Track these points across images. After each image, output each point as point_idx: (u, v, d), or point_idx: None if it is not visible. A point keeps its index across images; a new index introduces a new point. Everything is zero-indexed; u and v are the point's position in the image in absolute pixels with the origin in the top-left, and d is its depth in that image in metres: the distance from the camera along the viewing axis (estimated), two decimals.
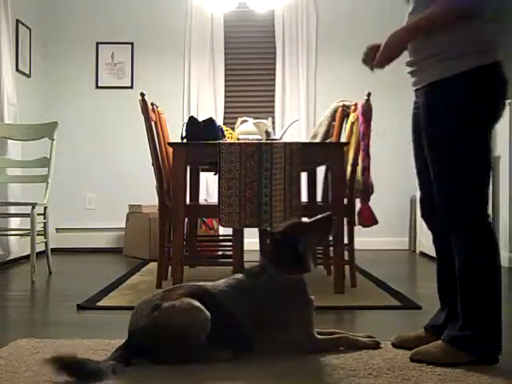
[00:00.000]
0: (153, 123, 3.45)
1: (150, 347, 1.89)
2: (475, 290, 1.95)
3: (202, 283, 2.09)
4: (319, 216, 2.16)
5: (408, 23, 2.01)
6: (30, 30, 5.29)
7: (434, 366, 1.91)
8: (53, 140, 4.19)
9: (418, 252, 5.40)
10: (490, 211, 2.02)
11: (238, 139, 3.74)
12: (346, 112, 3.72)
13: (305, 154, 3.21)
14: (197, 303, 1.90)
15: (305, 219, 2.23)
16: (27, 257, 4.05)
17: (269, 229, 2.25)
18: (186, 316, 1.87)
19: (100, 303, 2.99)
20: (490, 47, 1.95)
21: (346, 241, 3.36)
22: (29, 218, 3.83)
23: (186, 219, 3.78)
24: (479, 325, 1.93)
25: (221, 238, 4.83)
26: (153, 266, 4.25)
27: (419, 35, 1.97)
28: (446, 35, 1.94)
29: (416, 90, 2.09)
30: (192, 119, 3.55)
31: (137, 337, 1.91)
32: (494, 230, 1.99)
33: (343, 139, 3.75)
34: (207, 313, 1.89)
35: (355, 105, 3.60)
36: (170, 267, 3.49)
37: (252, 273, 2.11)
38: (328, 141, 3.82)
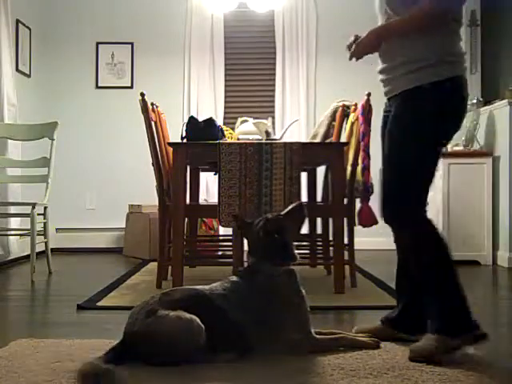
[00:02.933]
0: (153, 123, 3.45)
1: (143, 351, 1.89)
2: (428, 280, 2.04)
3: (199, 287, 2.09)
4: (291, 207, 2.22)
5: (387, 23, 2.11)
6: (30, 30, 5.29)
7: (432, 361, 1.93)
8: (53, 140, 4.19)
9: None
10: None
11: (238, 139, 3.74)
12: (345, 112, 3.72)
13: (305, 154, 3.21)
14: (190, 316, 1.89)
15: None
16: (27, 257, 4.05)
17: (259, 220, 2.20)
18: (178, 328, 1.87)
19: (100, 303, 2.99)
20: (461, 59, 2.05)
21: (346, 241, 3.36)
22: (29, 218, 3.84)
23: (186, 219, 3.78)
24: (445, 313, 2.01)
25: (221, 237, 4.83)
26: (153, 266, 4.26)
27: (392, 35, 2.07)
28: (421, 44, 2.01)
29: (389, 99, 2.18)
30: (192, 119, 3.55)
31: (130, 340, 1.91)
32: (432, 223, 2.07)
33: (343, 139, 3.75)
34: (201, 325, 1.89)
35: (355, 105, 3.60)
36: (170, 267, 3.49)
37: (245, 273, 2.13)
38: (328, 141, 3.82)
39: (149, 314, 1.90)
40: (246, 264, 2.20)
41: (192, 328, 1.88)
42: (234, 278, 2.11)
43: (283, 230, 2.14)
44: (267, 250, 2.12)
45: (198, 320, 1.89)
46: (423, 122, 2.02)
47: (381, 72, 2.16)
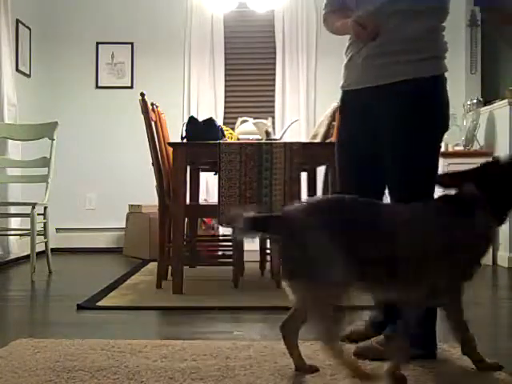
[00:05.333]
0: (153, 123, 3.45)
1: None
2: None
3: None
4: None
5: None
6: (30, 29, 5.29)
7: (376, 360, 1.93)
8: (53, 140, 4.19)
9: None
10: None
11: (238, 139, 3.74)
12: None
13: (305, 154, 3.21)
14: None
15: None
16: (27, 257, 4.05)
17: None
18: None
19: (100, 303, 2.99)
20: (445, 57, 2.07)
21: None
22: (29, 218, 3.84)
23: (186, 219, 3.78)
24: (419, 324, 1.95)
25: (221, 237, 4.82)
26: (153, 265, 4.26)
27: None
28: (435, 35, 2.02)
29: (371, 87, 2.06)
30: (192, 119, 3.55)
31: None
32: None
33: None
34: None
35: None
36: (169, 267, 3.49)
37: (448, 204, 1.78)
38: (328, 141, 3.82)
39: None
40: None
41: None
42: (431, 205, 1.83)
43: None
44: (495, 190, 1.75)
45: None
46: (434, 115, 2.01)
47: (373, 53, 2.05)
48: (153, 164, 3.51)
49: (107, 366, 1.90)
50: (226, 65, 5.68)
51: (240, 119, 4.00)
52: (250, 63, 5.77)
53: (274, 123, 5.24)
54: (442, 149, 4.75)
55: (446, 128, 2.07)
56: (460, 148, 4.82)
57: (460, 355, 2.01)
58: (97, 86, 5.70)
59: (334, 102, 3.90)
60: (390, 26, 1.97)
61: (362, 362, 1.93)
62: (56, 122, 4.27)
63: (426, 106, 2.00)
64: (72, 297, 3.14)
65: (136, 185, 5.44)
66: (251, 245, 4.44)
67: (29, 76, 5.28)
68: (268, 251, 3.99)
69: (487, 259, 4.59)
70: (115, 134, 5.64)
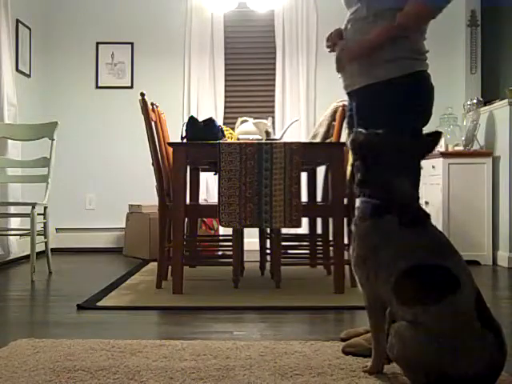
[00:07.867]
0: (153, 123, 3.45)
1: None
2: None
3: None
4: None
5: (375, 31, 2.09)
6: (30, 30, 5.29)
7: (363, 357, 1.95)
8: (53, 140, 4.19)
9: None
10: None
11: (238, 139, 3.74)
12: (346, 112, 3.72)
13: (305, 154, 3.21)
14: None
15: None
16: (27, 257, 4.05)
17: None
18: None
19: (100, 303, 3.00)
20: (421, 57, 2.10)
21: (346, 241, 3.36)
22: (29, 218, 3.84)
23: (186, 219, 3.78)
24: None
25: (221, 238, 4.83)
26: (153, 266, 4.26)
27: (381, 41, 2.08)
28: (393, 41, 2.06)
29: (349, 93, 2.23)
30: (192, 119, 3.55)
31: None
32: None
33: (343, 139, 3.75)
34: None
35: None
36: (170, 267, 3.49)
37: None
38: (328, 141, 3.82)
39: None
40: None
41: None
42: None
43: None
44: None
45: None
46: (386, 119, 2.01)
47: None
48: (153, 164, 3.51)
49: (107, 365, 1.90)
50: (225, 65, 5.68)
51: (240, 119, 4.00)
52: (250, 63, 5.76)
53: (274, 123, 5.24)
54: (443, 149, 4.77)
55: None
56: (460, 148, 4.82)
57: None
58: (97, 86, 5.70)
59: (334, 102, 3.92)
60: (348, 37, 2.19)
61: (350, 359, 1.94)
62: (56, 122, 4.27)
63: (369, 113, 2.06)
64: (72, 297, 3.15)
65: (136, 185, 5.45)
66: (251, 245, 4.44)
67: (29, 76, 5.28)
68: (268, 251, 3.99)
69: (487, 259, 4.59)
70: (115, 134, 5.64)
